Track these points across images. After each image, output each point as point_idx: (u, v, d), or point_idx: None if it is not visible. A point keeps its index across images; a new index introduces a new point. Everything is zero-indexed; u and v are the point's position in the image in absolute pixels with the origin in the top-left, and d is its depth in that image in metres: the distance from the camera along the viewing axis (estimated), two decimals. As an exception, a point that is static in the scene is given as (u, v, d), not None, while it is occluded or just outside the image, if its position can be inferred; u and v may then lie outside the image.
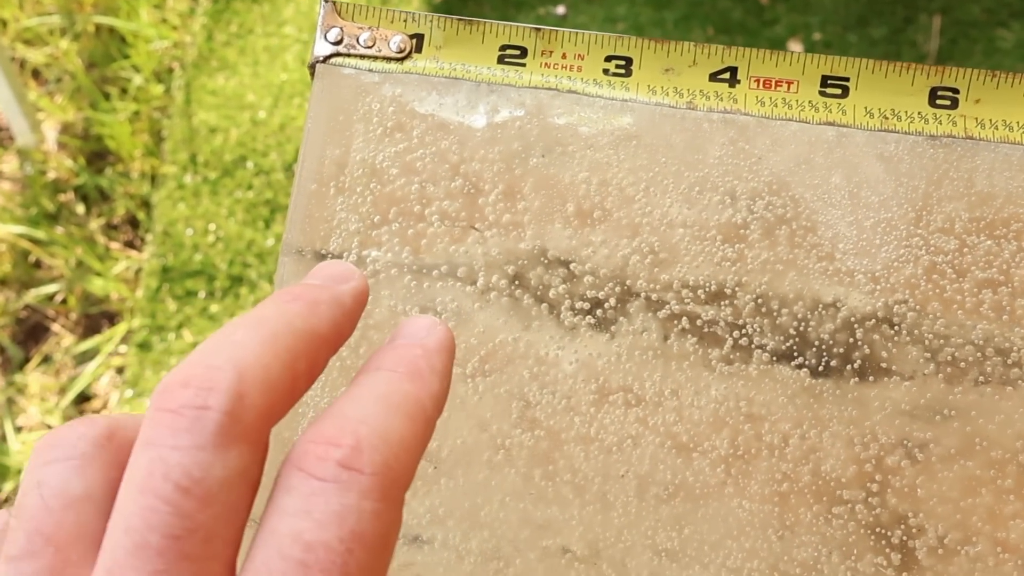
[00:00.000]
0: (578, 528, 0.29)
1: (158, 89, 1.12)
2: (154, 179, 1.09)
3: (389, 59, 0.30)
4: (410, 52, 0.30)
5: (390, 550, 0.18)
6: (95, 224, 1.09)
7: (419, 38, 0.30)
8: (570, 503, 0.29)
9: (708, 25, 1.17)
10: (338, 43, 0.30)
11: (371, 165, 0.30)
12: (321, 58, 0.30)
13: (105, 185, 1.10)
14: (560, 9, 1.17)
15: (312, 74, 0.30)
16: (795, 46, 1.12)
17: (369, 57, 0.30)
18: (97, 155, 1.13)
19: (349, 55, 0.30)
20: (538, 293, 0.30)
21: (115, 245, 1.09)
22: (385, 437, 0.18)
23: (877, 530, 0.28)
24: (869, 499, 0.28)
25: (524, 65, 0.30)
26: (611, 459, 0.29)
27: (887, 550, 0.28)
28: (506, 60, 0.30)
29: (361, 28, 0.30)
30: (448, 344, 0.21)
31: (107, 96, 1.14)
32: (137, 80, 1.13)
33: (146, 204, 1.09)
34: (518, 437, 0.30)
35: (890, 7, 1.16)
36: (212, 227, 1.05)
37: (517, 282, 0.30)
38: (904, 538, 0.28)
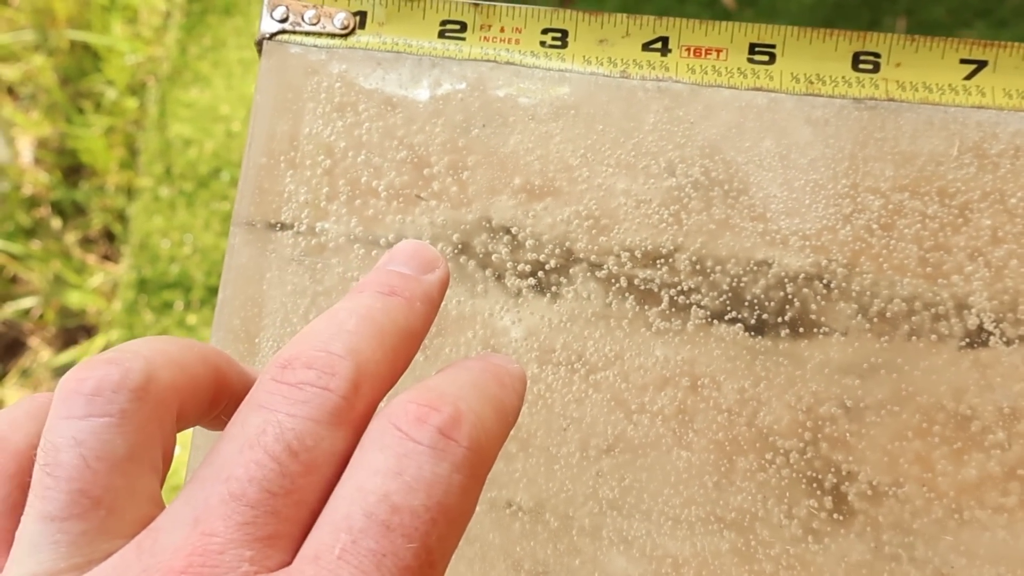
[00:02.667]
0: (522, 480, 0.29)
1: (132, 103, 1.13)
2: (130, 192, 1.10)
3: (333, 35, 0.31)
4: (354, 28, 0.31)
5: (463, 530, 0.18)
6: (71, 238, 1.10)
7: (362, 15, 0.31)
8: (514, 457, 0.30)
9: (676, 31, 1.18)
10: (284, 20, 0.31)
11: (319, 139, 0.31)
12: (267, 35, 0.31)
13: (81, 199, 1.11)
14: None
15: (259, 51, 0.31)
16: (762, 50, 1.14)
17: (314, 34, 0.31)
18: (73, 169, 1.14)
19: (295, 32, 0.31)
20: (483, 260, 0.31)
21: (92, 258, 1.09)
22: (480, 419, 0.18)
23: (810, 475, 0.29)
24: (803, 447, 0.29)
25: (464, 39, 0.31)
26: (554, 414, 0.30)
27: (820, 494, 0.29)
28: (447, 35, 0.31)
29: (306, 6, 0.31)
30: (524, 377, 0.21)
31: (81, 111, 1.14)
32: (111, 94, 1.14)
33: (122, 217, 1.10)
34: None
35: (855, 10, 1.18)
36: (188, 238, 1.06)
37: (463, 249, 0.31)
38: (836, 483, 0.29)
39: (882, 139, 0.30)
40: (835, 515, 0.29)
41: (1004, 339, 0.29)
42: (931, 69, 0.30)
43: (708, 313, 0.30)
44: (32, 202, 1.12)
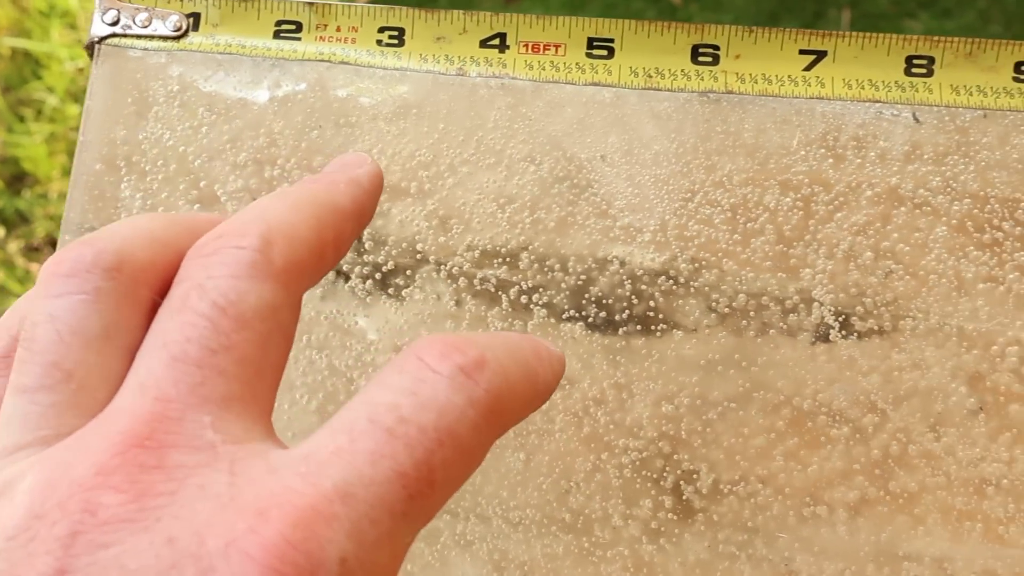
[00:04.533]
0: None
1: (74, 109, 1.12)
2: (72, 199, 1.09)
3: (166, 38, 0.30)
4: (187, 31, 0.31)
5: (469, 471, 0.17)
6: (14, 247, 1.09)
7: (196, 17, 0.31)
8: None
9: (623, 27, 1.18)
10: (115, 24, 0.30)
11: (158, 144, 0.31)
12: (97, 39, 0.30)
13: (24, 207, 1.10)
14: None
15: (90, 55, 0.30)
16: (709, 44, 1.14)
17: (146, 37, 0.30)
18: (15, 178, 1.13)
19: (125, 35, 0.31)
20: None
21: (35, 267, 1.08)
22: (506, 372, 0.17)
23: (649, 475, 0.29)
24: (645, 446, 0.29)
25: (300, 39, 0.31)
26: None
27: (656, 494, 0.28)
28: (282, 35, 0.31)
29: (138, 8, 0.31)
30: (563, 370, 0.21)
31: (22, 118, 1.13)
32: (52, 101, 1.13)
33: (65, 225, 1.09)
34: (319, 401, 0.30)
35: (800, 3, 1.18)
36: (131, 244, 1.05)
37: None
38: (676, 481, 0.28)
39: (725, 132, 0.30)
40: (672, 515, 0.28)
41: (853, 333, 0.29)
42: (770, 60, 0.30)
43: (550, 312, 0.30)
44: (-25, 212, 1.11)
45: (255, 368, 0.17)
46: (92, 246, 0.18)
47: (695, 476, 0.29)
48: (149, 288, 0.18)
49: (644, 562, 0.28)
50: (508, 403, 0.17)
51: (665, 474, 0.29)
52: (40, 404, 0.17)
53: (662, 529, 0.28)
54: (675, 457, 0.29)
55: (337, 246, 0.20)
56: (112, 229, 0.19)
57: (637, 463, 0.29)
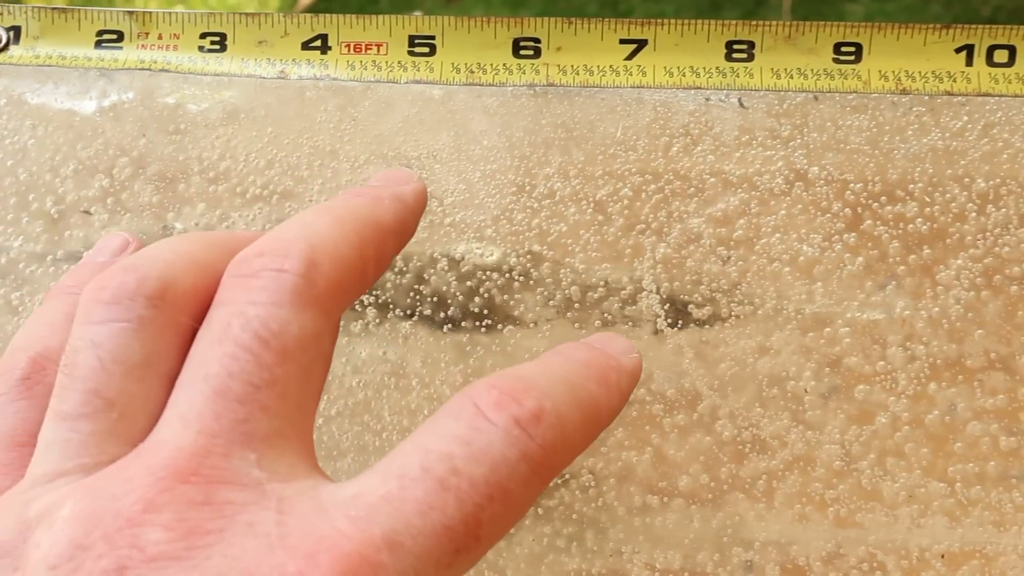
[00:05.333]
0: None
1: None
2: None
3: (-15, 52, 0.30)
4: (8, 44, 0.30)
5: (513, 523, 0.17)
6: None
7: (16, 30, 0.30)
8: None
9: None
10: (-68, 39, 0.30)
11: (-12, 159, 0.30)
12: (-88, 55, 0.30)
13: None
14: (416, 15, 1.18)
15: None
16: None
17: (-35, 52, 0.30)
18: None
19: (-57, 50, 0.30)
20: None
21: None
22: (562, 422, 0.17)
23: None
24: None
25: (121, 48, 0.30)
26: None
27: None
28: (103, 45, 0.30)
29: (-43, 23, 0.30)
30: (639, 371, 0.21)
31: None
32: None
33: None
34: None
35: (741, -9, 1.18)
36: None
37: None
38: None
39: (553, 125, 0.30)
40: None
41: (692, 321, 0.29)
42: (592, 51, 0.30)
43: (381, 312, 0.30)
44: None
45: (297, 401, 0.17)
46: (135, 272, 0.18)
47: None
48: (190, 315, 0.18)
49: (473, 559, 0.28)
50: (560, 455, 0.17)
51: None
52: (80, 432, 0.17)
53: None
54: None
55: (378, 264, 0.20)
56: (154, 254, 0.18)
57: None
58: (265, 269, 0.17)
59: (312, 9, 1.15)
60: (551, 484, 0.28)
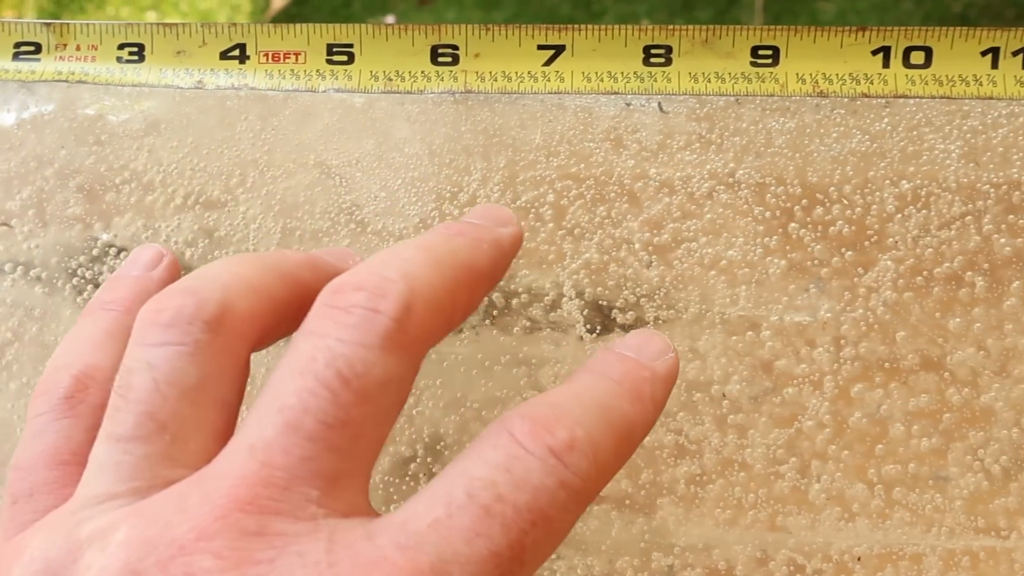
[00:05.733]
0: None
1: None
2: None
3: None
4: (-76, 57, 0.30)
5: (554, 548, 0.17)
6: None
7: (-69, 42, 0.30)
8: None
9: (537, 22, 1.18)
10: None
11: (-92, 173, 0.30)
12: None
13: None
14: (389, 19, 1.18)
15: None
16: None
17: None
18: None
19: None
20: (91, 280, 0.30)
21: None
22: (595, 449, 0.17)
23: (418, 475, 0.29)
24: (415, 448, 0.29)
25: (39, 59, 0.30)
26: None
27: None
28: (21, 57, 0.30)
29: None
30: (675, 372, 0.20)
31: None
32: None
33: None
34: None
35: (715, -10, 1.18)
36: None
37: (72, 273, 0.30)
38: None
39: (474, 132, 0.30)
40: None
41: (616, 327, 0.29)
42: (510, 58, 0.30)
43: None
44: None
45: (367, 443, 0.17)
46: (194, 296, 0.18)
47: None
48: (246, 341, 0.18)
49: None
50: (596, 480, 0.17)
51: (421, 477, 0.29)
52: (133, 454, 0.17)
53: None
54: (446, 456, 0.29)
55: (467, 309, 0.20)
56: (212, 276, 0.18)
57: (411, 464, 0.29)
58: (360, 306, 0.17)
59: (284, 14, 1.15)
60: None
